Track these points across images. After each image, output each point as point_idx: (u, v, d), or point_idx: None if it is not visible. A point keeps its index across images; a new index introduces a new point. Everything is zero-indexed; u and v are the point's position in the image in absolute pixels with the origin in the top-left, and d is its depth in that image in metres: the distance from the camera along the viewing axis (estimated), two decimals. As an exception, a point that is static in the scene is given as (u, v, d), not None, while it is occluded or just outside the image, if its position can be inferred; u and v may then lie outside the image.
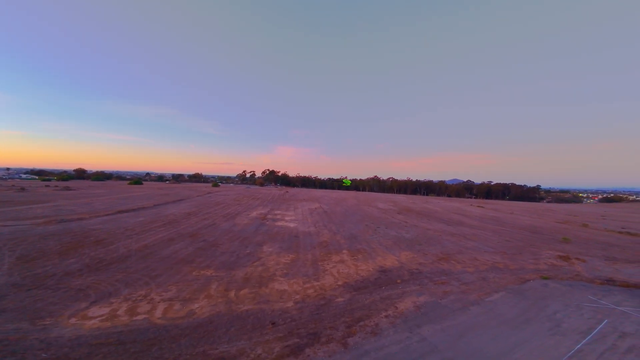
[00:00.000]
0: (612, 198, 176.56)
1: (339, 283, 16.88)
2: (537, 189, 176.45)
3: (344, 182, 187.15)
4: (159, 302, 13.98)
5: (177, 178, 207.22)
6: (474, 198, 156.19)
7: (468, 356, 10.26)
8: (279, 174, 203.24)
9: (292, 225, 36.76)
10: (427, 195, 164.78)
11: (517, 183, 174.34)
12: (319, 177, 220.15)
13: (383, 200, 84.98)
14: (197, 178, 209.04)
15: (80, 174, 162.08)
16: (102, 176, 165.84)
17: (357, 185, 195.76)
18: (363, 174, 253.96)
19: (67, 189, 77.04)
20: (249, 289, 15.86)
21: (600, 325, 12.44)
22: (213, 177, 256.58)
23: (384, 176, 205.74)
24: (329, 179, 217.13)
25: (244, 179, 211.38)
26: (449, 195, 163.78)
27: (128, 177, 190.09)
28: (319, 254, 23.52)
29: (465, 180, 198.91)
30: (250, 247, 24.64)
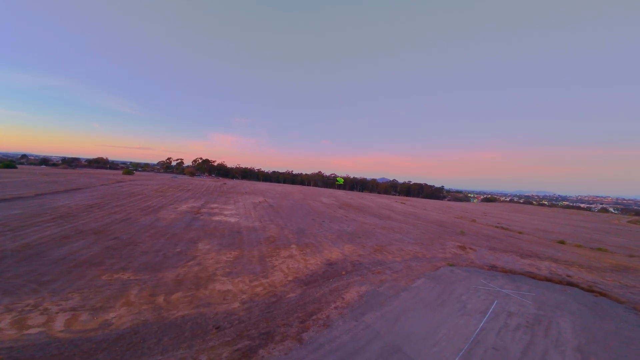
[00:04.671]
0: (490, 198, 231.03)
1: (290, 278, 16.66)
2: (441, 189, 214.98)
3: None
4: (56, 312, 11.37)
5: (71, 163, 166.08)
6: (398, 195, 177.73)
7: (404, 338, 11.56)
8: (215, 164, 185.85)
9: (232, 220, 34.21)
10: (362, 191, 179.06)
11: (429, 183, 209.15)
12: (262, 169, 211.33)
13: (326, 195, 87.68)
14: (100, 163, 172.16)
15: None
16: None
17: (303, 180, 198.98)
18: (308, 169, 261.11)
19: None
20: (183, 292, 14.07)
21: (493, 306, 15.40)
22: (124, 163, 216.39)
23: (327, 172, 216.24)
24: (274, 172, 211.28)
25: (168, 167, 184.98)
26: (379, 192, 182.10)
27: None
28: (266, 249, 22.63)
29: (391, 179, 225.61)
30: (181, 245, 21.80)
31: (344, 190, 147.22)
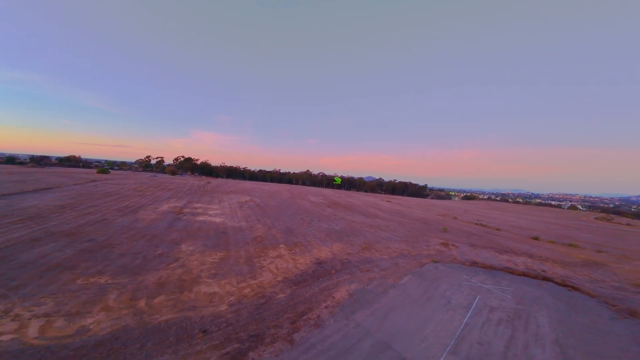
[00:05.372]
0: (470, 196, 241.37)
1: (279, 279, 16.40)
2: (425, 187, 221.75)
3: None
4: (29, 318, 10.77)
5: (40, 161, 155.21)
6: (384, 194, 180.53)
7: (393, 335, 11.69)
8: (197, 162, 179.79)
9: (218, 220, 33.20)
10: (349, 189, 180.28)
11: (413, 182, 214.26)
12: (248, 168, 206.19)
13: (314, 194, 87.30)
14: (72, 162, 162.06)
15: None
16: None
17: (290, 179, 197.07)
18: (295, 168, 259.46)
19: None
20: (166, 296, 13.51)
21: (476, 301, 15.88)
22: (99, 161, 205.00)
23: (314, 171, 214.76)
24: (261, 170, 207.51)
25: (147, 165, 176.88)
26: (365, 191, 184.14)
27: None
28: (253, 250, 22.16)
29: (377, 177, 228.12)
30: (162, 247, 20.93)
31: (332, 189, 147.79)
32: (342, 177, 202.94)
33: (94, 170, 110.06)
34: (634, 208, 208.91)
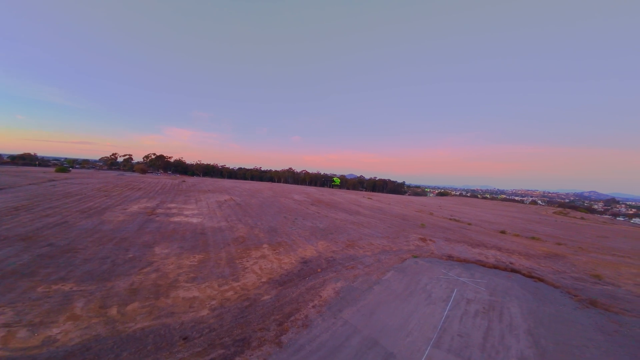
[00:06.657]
0: (443, 193, 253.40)
1: (263, 280, 15.93)
2: (403, 184, 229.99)
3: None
4: None
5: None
6: (365, 191, 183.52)
7: (379, 331, 11.82)
8: (171, 160, 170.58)
9: (195, 220, 31.68)
10: (332, 187, 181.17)
11: (392, 179, 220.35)
12: (227, 165, 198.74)
13: (298, 192, 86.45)
14: (26, 160, 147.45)
15: None
16: None
17: (272, 177, 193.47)
18: (277, 166, 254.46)
19: None
20: (141, 303, 12.62)
21: (453, 294, 16.49)
22: (58, 159, 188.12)
23: (297, 169, 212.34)
24: (241, 168, 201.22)
25: (113, 163, 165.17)
26: (347, 188, 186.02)
27: None
28: (235, 251, 21.37)
29: (359, 175, 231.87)
30: (133, 250, 19.53)
31: (315, 187, 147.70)
32: (325, 175, 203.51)
33: (52, 169, 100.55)
34: (586, 203, 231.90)
